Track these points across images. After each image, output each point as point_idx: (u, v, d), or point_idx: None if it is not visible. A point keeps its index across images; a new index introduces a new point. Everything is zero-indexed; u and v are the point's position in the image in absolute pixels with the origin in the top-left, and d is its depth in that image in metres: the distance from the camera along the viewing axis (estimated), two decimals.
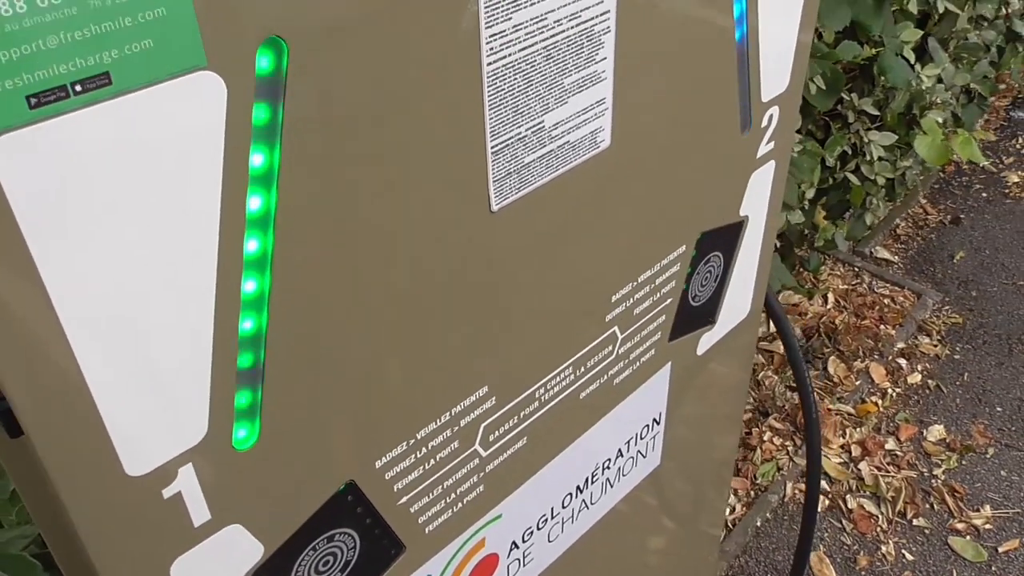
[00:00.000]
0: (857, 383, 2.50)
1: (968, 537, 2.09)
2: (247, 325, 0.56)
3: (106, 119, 0.44)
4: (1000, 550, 2.06)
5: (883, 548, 2.06)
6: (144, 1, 0.43)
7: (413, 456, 0.74)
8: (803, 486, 2.01)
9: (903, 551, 2.06)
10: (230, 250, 0.53)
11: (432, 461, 0.77)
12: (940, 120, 2.18)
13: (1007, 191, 3.19)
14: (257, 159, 0.52)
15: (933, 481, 2.25)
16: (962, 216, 3.08)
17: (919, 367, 2.51)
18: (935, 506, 2.17)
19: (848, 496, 2.21)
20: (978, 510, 2.17)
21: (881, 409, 2.43)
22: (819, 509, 2.16)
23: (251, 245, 0.54)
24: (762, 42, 0.88)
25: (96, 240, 0.47)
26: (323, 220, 0.57)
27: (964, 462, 2.29)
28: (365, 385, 0.67)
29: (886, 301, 2.73)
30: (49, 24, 0.40)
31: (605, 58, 0.71)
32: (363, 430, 0.69)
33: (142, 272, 0.49)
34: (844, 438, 2.34)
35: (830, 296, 2.74)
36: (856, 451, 2.31)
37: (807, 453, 1.26)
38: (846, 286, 2.81)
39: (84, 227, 0.46)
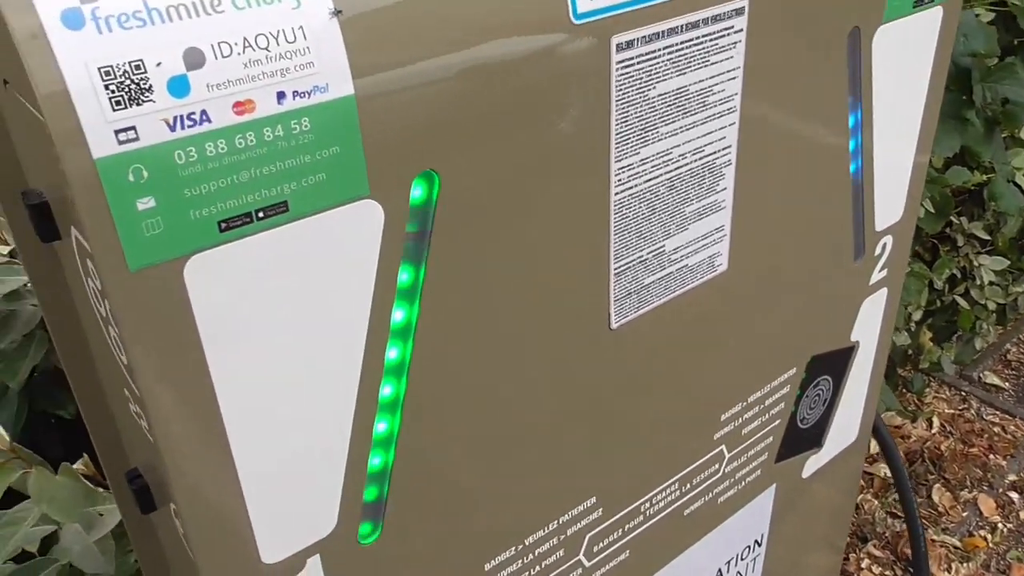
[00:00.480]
0: (964, 514, 2.38)
1: None
2: (381, 427, 0.60)
3: (281, 241, 0.50)
4: None
5: None
6: (322, 140, 0.49)
7: (520, 561, 0.76)
8: None
9: None
10: (373, 357, 0.57)
11: (538, 567, 0.78)
12: None
13: None
14: (404, 276, 0.57)
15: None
16: None
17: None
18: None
19: None
20: None
21: (991, 545, 2.30)
22: None
23: (392, 353, 0.59)
24: (877, 174, 0.90)
25: (260, 344, 0.52)
26: (458, 333, 0.61)
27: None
28: (481, 490, 0.69)
29: (996, 429, 2.62)
30: (244, 161, 0.46)
31: (725, 188, 0.74)
32: (476, 533, 0.71)
33: (296, 374, 0.54)
34: (950, 573, 2.22)
35: (935, 420, 2.64)
36: None
37: None
38: (952, 411, 2.70)
39: (251, 333, 0.51)
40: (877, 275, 0.99)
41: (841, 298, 0.97)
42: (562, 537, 0.79)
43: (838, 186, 0.87)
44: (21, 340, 1.29)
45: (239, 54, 0.44)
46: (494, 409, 0.67)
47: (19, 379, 1.28)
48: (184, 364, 0.49)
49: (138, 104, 0.42)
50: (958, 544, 2.30)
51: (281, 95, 0.46)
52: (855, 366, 1.05)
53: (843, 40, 0.77)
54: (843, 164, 0.86)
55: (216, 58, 0.44)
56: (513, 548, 0.75)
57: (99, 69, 0.41)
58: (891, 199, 0.95)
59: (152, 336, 0.47)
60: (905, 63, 0.85)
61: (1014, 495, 2.46)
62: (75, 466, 0.97)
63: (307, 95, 0.47)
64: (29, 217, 0.69)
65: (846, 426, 1.10)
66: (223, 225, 0.47)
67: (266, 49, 0.45)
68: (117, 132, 0.42)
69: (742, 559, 1.05)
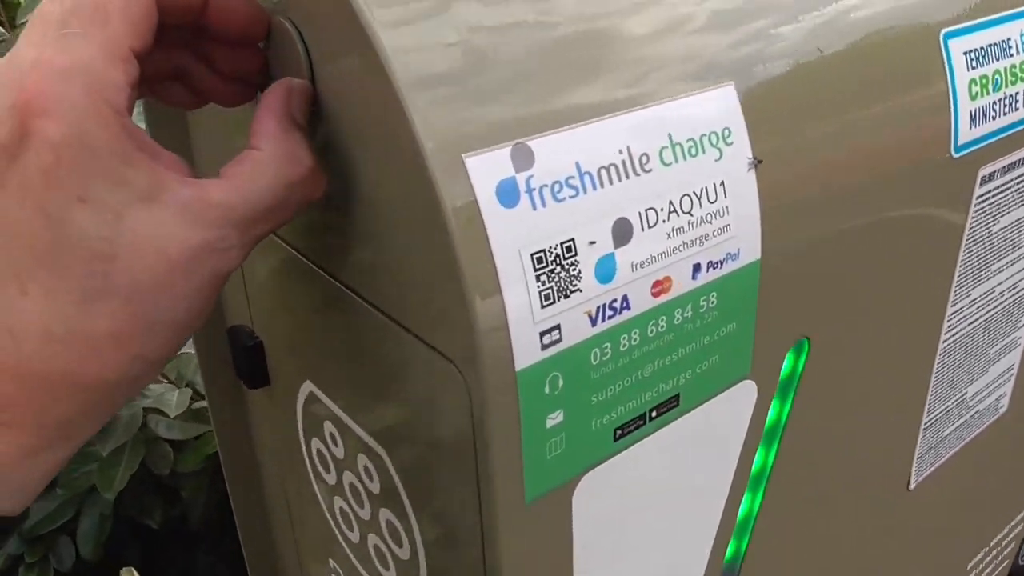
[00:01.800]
0: None
1: None
2: None
3: (662, 441, 0.39)
4: None
5: None
6: (723, 318, 0.39)
7: None
8: None
9: None
10: (721, 537, 0.47)
11: None
12: None
13: None
14: (758, 457, 0.47)
15: None
16: None
17: None
18: None
19: None
20: None
21: None
22: None
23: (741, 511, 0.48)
24: None
25: (624, 546, 0.41)
26: (792, 506, 0.51)
27: None
28: None
29: None
30: (650, 352, 0.36)
31: (1022, 324, 0.65)
32: None
33: (654, 549, 0.43)
34: None
35: None
36: None
37: None
38: None
39: (619, 538, 0.41)
40: None
41: None
42: None
43: None
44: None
45: (663, 222, 0.35)
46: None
47: (115, 488, 1.16)
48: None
49: (566, 296, 0.32)
50: None
51: (696, 268, 0.36)
52: None
53: None
54: None
55: (642, 229, 0.34)
56: None
57: (532, 256, 0.31)
58: None
59: (526, 568, 0.37)
60: None
61: None
62: None
63: (719, 265, 0.37)
64: (235, 359, 0.59)
65: None
66: (618, 433, 0.37)
67: (688, 213, 0.35)
68: (543, 334, 0.32)
69: None
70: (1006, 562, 0.86)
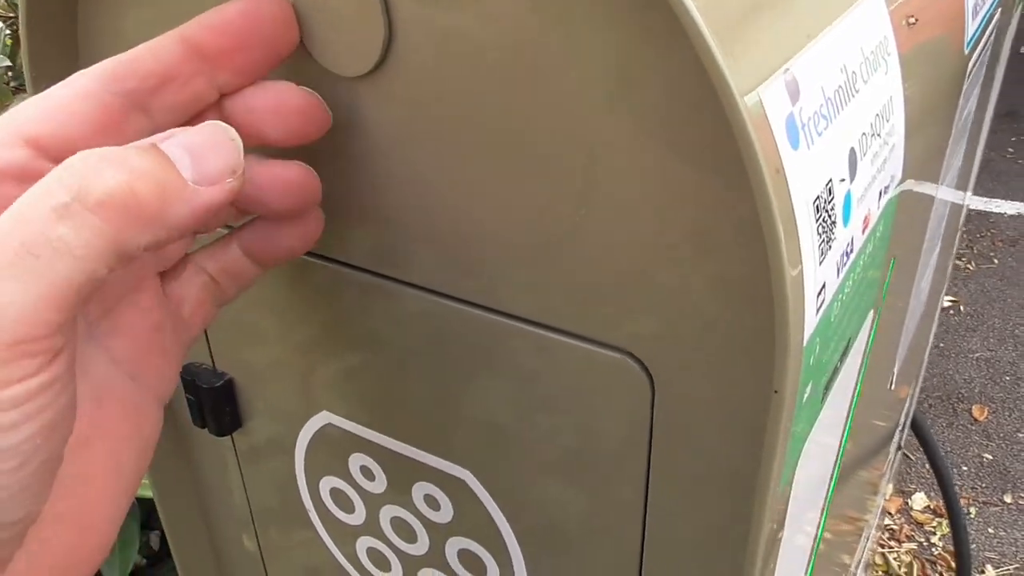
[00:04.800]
0: None
1: None
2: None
3: (837, 388, 0.36)
4: None
5: None
6: (879, 248, 0.36)
7: None
8: None
9: None
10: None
11: None
12: None
13: None
14: None
15: (933, 550, 2.31)
16: None
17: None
18: (944, 574, 2.23)
19: None
20: (983, 572, 2.25)
21: None
22: None
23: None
24: (972, 169, 0.89)
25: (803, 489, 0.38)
26: None
27: None
28: None
29: None
30: (846, 301, 0.32)
31: (944, 217, 0.68)
32: None
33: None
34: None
35: None
36: None
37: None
38: None
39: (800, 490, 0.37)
40: (948, 270, 0.99)
41: (936, 299, 0.95)
42: None
43: (963, 191, 0.85)
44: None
45: (869, 148, 0.30)
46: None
47: None
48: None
49: (829, 247, 0.27)
50: None
51: (880, 195, 0.33)
52: (923, 363, 1.04)
53: (1002, 40, 0.74)
54: (971, 166, 0.83)
55: (861, 158, 0.30)
56: None
57: (813, 204, 0.25)
58: (968, 193, 0.95)
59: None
60: (1003, 58, 0.85)
61: None
62: None
63: (887, 190, 0.34)
64: (194, 404, 0.47)
65: (907, 422, 1.10)
66: (825, 392, 0.33)
67: (878, 135, 0.31)
68: (817, 295, 0.27)
69: None
70: (899, 436, 0.94)
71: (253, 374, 0.45)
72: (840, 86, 0.28)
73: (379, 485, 0.43)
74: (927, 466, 2.53)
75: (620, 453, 0.31)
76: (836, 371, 0.33)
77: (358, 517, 0.45)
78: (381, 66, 0.29)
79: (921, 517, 2.39)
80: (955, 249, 0.96)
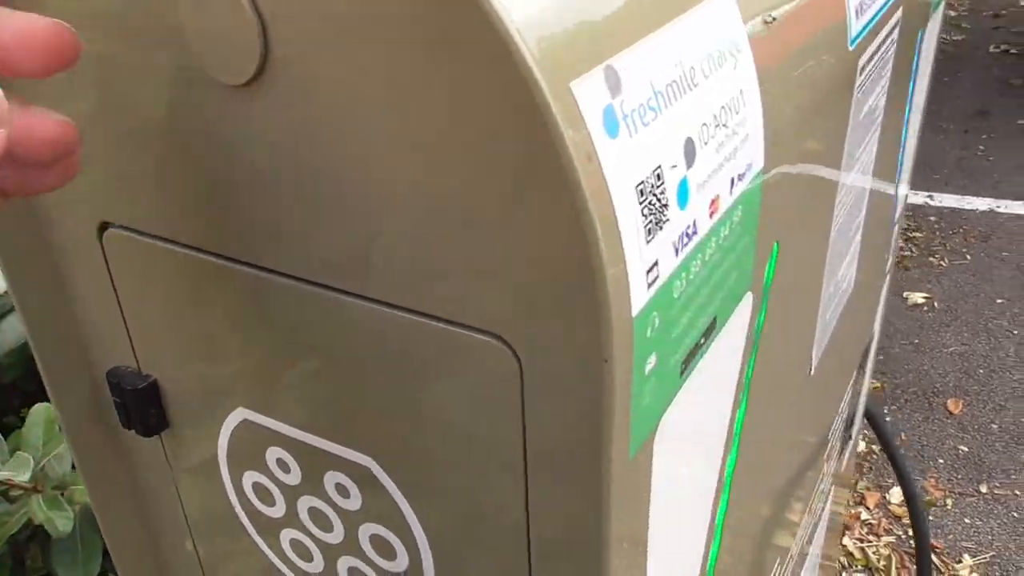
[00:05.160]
0: None
1: None
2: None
3: (704, 366, 0.38)
4: None
5: None
6: (743, 231, 0.38)
7: None
8: None
9: None
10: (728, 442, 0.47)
11: None
12: None
13: None
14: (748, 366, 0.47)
15: (911, 542, 2.33)
16: None
17: (861, 436, 2.63)
18: None
19: (844, 575, 2.25)
20: (960, 561, 2.27)
21: None
22: None
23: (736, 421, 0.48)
24: (905, 165, 0.92)
25: (679, 476, 0.40)
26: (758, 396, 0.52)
27: (931, 517, 2.40)
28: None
29: None
30: (705, 276, 0.35)
31: (862, 210, 0.71)
32: None
33: (690, 491, 0.43)
34: (842, 528, 2.40)
35: None
36: None
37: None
38: None
39: (678, 469, 0.39)
40: (889, 262, 1.02)
41: (875, 291, 0.98)
42: None
43: (892, 183, 0.87)
44: None
45: (712, 138, 0.33)
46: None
47: None
48: (635, 543, 0.36)
49: (660, 228, 0.29)
50: None
51: (732, 182, 0.35)
52: (871, 352, 1.07)
53: (915, 38, 0.77)
54: (896, 161, 0.86)
55: (702, 147, 0.32)
56: None
57: (636, 188, 0.28)
58: (904, 191, 0.97)
59: (620, 531, 0.34)
60: (927, 56, 0.88)
61: None
62: None
63: (743, 178, 0.36)
64: (121, 406, 0.49)
65: (860, 413, 1.13)
66: (683, 368, 0.35)
67: (725, 126, 0.34)
68: (647, 272, 0.29)
69: (813, 572, 1.04)
70: (842, 426, 0.96)
71: (175, 375, 0.47)
72: (675, 80, 0.30)
73: (294, 477, 0.45)
74: (905, 459, 2.55)
75: (499, 434, 0.33)
76: (698, 348, 0.36)
77: (279, 510, 0.47)
78: (259, 77, 0.31)
79: (899, 511, 2.41)
80: (894, 241, 0.99)
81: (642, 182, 0.28)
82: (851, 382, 0.93)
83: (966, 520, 2.35)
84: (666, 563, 0.41)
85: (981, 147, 4.19)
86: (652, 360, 0.31)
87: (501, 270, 0.29)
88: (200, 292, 0.40)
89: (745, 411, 0.48)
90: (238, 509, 0.50)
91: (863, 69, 0.55)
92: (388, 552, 0.44)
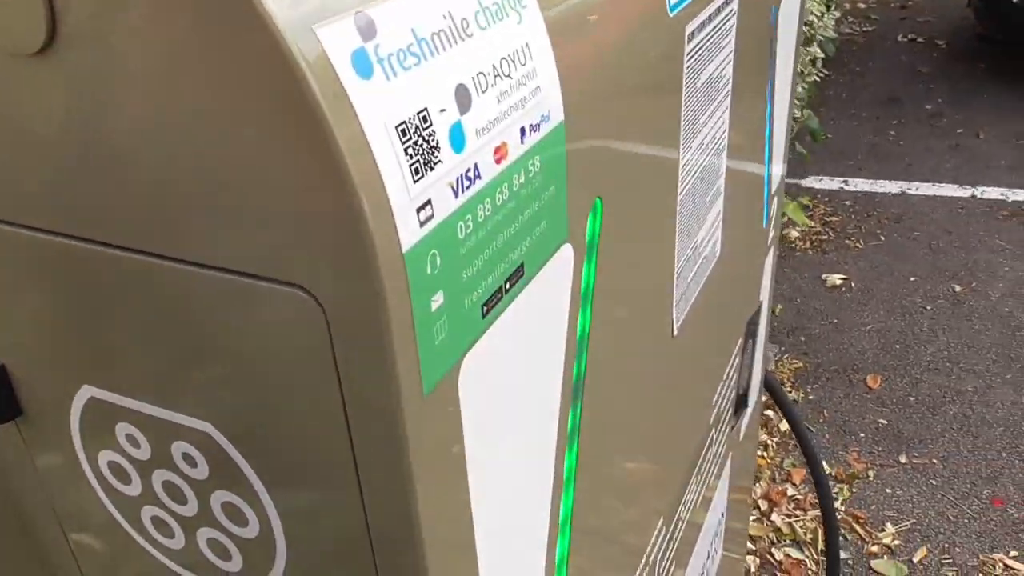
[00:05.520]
0: None
1: (885, 557, 2.25)
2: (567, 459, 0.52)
3: (516, 313, 0.40)
4: (915, 560, 2.24)
5: None
6: (546, 181, 0.40)
7: None
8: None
9: None
10: (565, 400, 0.49)
11: None
12: None
13: (793, 245, 3.58)
14: (581, 323, 0.49)
15: (837, 514, 2.40)
16: None
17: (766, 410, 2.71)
18: (847, 536, 2.32)
19: (773, 550, 2.31)
20: (883, 530, 2.35)
21: (769, 460, 2.58)
22: (752, 570, 2.24)
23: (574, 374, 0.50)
24: (775, 139, 0.96)
25: (500, 425, 0.41)
26: (599, 363, 0.54)
27: (854, 490, 2.48)
28: (603, 533, 0.63)
29: None
30: (500, 222, 0.37)
31: (722, 174, 0.74)
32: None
33: (516, 447, 0.44)
34: (750, 496, 2.45)
35: None
36: (764, 505, 2.43)
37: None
38: None
39: (496, 418, 0.41)
40: (771, 235, 1.06)
41: (757, 261, 1.02)
42: (647, 571, 0.74)
43: (759, 154, 0.91)
44: None
45: (492, 86, 0.35)
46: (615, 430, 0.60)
47: None
48: (450, 479, 0.38)
49: (431, 168, 0.31)
50: None
51: (523, 131, 0.37)
52: (761, 323, 1.11)
53: (767, 14, 0.81)
54: (762, 132, 0.90)
55: (478, 94, 0.34)
56: None
57: (396, 128, 0.29)
58: (777, 161, 1.01)
59: (430, 466, 0.36)
60: (787, 34, 0.91)
61: (770, 413, 2.77)
62: None
63: (538, 128, 0.38)
64: None
65: (756, 381, 1.16)
66: (485, 309, 0.37)
67: (509, 76, 0.36)
68: (419, 210, 0.31)
69: (717, 536, 1.07)
70: (732, 392, 1.00)
71: (21, 358, 0.47)
72: (443, 30, 0.32)
73: (145, 451, 0.45)
74: (828, 435, 2.63)
75: (318, 385, 0.35)
76: (502, 292, 0.37)
77: (136, 487, 0.48)
78: (49, 48, 0.32)
79: None
80: (773, 213, 1.03)
81: (404, 123, 0.30)
82: (737, 349, 0.97)
83: (887, 490, 2.43)
84: (501, 502, 0.42)
85: (892, 133, 4.33)
86: (439, 298, 0.33)
87: (283, 216, 0.30)
88: (22, 268, 0.41)
89: (586, 365, 0.50)
90: (100, 492, 0.50)
91: (692, 37, 0.57)
92: (240, 519, 0.45)
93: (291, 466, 0.40)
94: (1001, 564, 2.21)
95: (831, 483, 2.48)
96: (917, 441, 2.58)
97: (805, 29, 3.41)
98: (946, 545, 2.25)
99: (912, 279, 3.27)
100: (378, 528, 0.37)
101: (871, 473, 2.50)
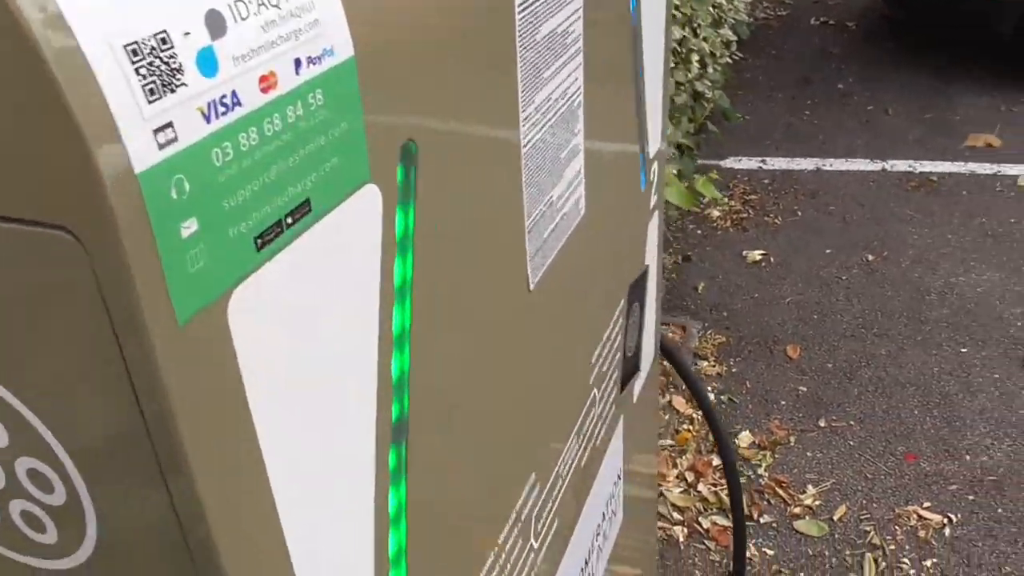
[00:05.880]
0: (666, 417, 2.69)
1: (807, 518, 2.31)
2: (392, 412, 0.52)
3: (305, 250, 0.40)
4: (835, 518, 2.30)
5: (746, 553, 2.20)
6: (334, 117, 0.40)
7: (497, 567, 0.71)
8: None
9: (763, 549, 2.23)
10: (384, 351, 0.49)
11: (508, 568, 0.73)
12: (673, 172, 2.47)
13: (714, 225, 3.64)
14: (398, 267, 0.49)
15: (761, 480, 2.46)
16: (690, 253, 3.46)
17: (709, 387, 2.75)
18: (772, 501, 2.38)
19: (700, 519, 2.35)
20: (804, 492, 2.41)
21: (694, 433, 2.63)
22: (681, 539, 2.28)
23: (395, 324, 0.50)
24: (648, 101, 0.97)
25: (295, 371, 0.41)
26: (431, 318, 0.55)
27: (777, 456, 2.54)
28: (464, 502, 0.63)
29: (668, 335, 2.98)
30: (272, 153, 0.36)
31: (579, 131, 0.75)
32: (461, 547, 0.65)
33: (323, 396, 0.44)
34: (677, 468, 2.50)
35: None
36: (691, 477, 2.47)
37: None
38: None
39: (287, 361, 0.41)
40: (653, 199, 1.07)
41: (638, 225, 1.03)
42: (519, 526, 0.74)
43: (630, 117, 0.92)
44: None
45: (255, 15, 0.34)
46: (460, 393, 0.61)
47: None
48: (230, 424, 0.37)
49: (172, 91, 0.31)
50: (673, 443, 2.59)
51: (298, 63, 0.37)
52: (649, 288, 1.12)
53: None
54: (631, 94, 0.91)
55: (236, 21, 0.34)
56: (492, 554, 0.69)
57: (126, 48, 0.29)
58: (654, 128, 1.03)
59: (198, 405, 0.35)
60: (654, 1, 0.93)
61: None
62: None
63: (319, 61, 0.38)
64: None
65: (649, 346, 1.18)
66: (259, 242, 0.36)
67: (277, 6, 0.36)
68: (156, 132, 0.30)
69: (613, 498, 1.08)
70: (617, 355, 1.01)
71: None
72: None
73: None
74: (751, 405, 2.69)
75: (94, 331, 0.34)
76: (281, 225, 0.37)
77: None
78: None
79: (747, 453, 2.53)
80: (654, 178, 1.04)
81: (136, 43, 0.29)
82: (620, 311, 0.98)
83: (808, 454, 2.49)
84: (308, 454, 0.42)
85: (806, 112, 4.44)
86: (191, 224, 0.32)
87: (10, 144, 0.30)
88: None
89: (411, 312, 0.50)
90: None
91: (523, 4, 0.58)
92: (47, 486, 0.44)
93: (86, 420, 0.39)
94: (915, 515, 2.28)
95: (755, 450, 2.53)
96: (835, 405, 2.65)
97: (714, 11, 3.47)
98: (864, 501, 2.32)
99: (828, 251, 3.35)
100: (174, 481, 0.37)
101: (792, 439, 2.56)
